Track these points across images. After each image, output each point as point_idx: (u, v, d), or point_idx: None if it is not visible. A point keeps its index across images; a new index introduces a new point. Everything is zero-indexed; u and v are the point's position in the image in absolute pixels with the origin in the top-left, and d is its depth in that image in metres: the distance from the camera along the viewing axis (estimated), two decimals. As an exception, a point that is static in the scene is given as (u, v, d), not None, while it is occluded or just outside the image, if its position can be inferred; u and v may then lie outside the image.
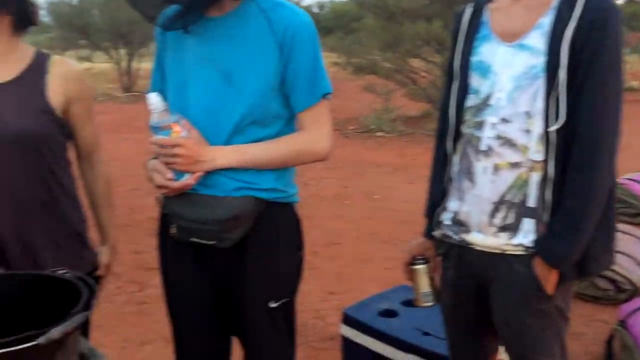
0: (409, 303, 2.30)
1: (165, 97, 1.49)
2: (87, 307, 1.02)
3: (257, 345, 1.61)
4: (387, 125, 9.14)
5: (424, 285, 1.65)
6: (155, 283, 3.39)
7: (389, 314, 2.33)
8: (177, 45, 1.55)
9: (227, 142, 1.50)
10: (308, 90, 1.51)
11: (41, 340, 0.89)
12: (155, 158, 1.50)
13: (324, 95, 1.54)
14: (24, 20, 1.63)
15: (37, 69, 1.64)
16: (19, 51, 1.64)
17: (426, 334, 2.15)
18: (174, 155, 1.43)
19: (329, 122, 1.58)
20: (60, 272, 1.12)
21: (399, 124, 9.38)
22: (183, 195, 1.50)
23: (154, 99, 1.43)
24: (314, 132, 1.55)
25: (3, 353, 0.87)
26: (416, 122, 9.58)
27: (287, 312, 1.62)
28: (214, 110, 1.49)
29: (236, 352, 1.72)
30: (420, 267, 1.64)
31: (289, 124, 1.57)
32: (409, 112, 10.02)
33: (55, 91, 1.63)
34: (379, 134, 9.00)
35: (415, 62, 9.87)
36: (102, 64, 16.01)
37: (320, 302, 3.54)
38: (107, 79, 15.29)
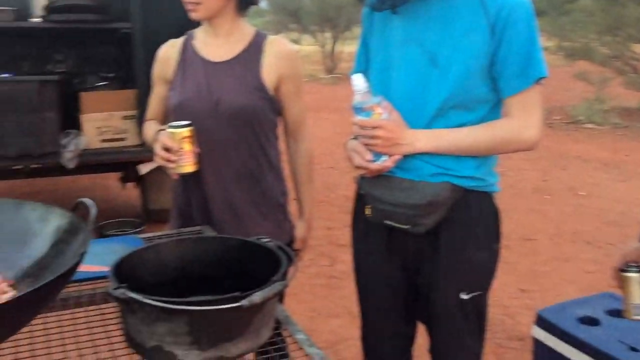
0: (615, 313, 2.08)
1: (368, 79, 1.50)
2: (286, 276, 1.07)
3: (445, 335, 1.58)
4: (599, 117, 8.35)
5: (637, 296, 1.48)
6: (345, 259, 3.51)
7: (590, 321, 2.13)
8: (384, 26, 1.55)
9: (428, 126, 1.47)
10: (520, 73, 1.41)
11: (244, 302, 0.94)
12: (356, 139, 1.52)
13: (537, 80, 1.43)
14: (247, 0, 1.75)
15: (254, 48, 1.75)
16: (240, 31, 1.77)
17: (633, 349, 1.93)
18: (374, 137, 1.44)
19: (539, 109, 1.47)
20: (264, 240, 1.18)
21: (612, 115, 8.52)
22: (380, 177, 1.51)
23: (358, 80, 1.45)
24: (522, 119, 1.45)
25: (210, 310, 0.94)
26: (634, 115, 8.63)
27: (479, 306, 1.56)
28: (416, 93, 1.46)
29: (420, 339, 1.71)
30: (635, 276, 1.47)
31: (495, 109, 1.49)
32: (625, 103, 9.05)
33: (269, 69, 1.73)
34: (588, 125, 8.27)
35: (639, 48, 8.85)
36: (308, 46, 16.82)
37: (511, 299, 3.37)
38: (312, 61, 16.03)
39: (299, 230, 1.91)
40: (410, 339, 1.72)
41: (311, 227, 1.95)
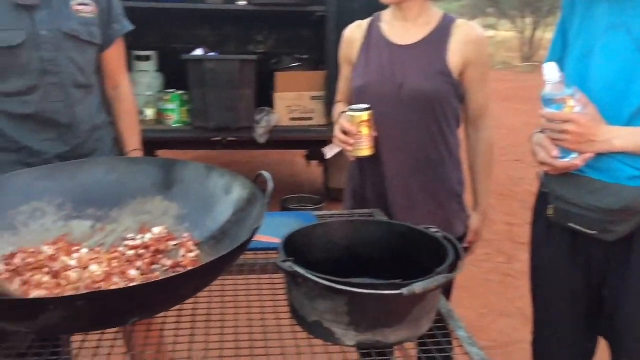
0: None
1: (562, 68, 1.37)
2: (452, 269, 1.04)
3: (630, 357, 1.41)
4: None
5: None
6: (523, 258, 3.33)
7: None
8: (587, 10, 1.40)
9: (630, 122, 1.31)
10: None
11: (404, 291, 0.93)
12: (542, 132, 1.41)
13: None
14: None
15: (441, 32, 1.71)
16: (428, 14, 1.73)
17: None
18: (563, 132, 1.32)
19: None
20: (432, 230, 1.15)
21: None
22: (566, 175, 1.38)
23: (550, 69, 1.33)
24: None
25: (370, 294, 0.94)
26: None
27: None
28: (619, 85, 1.31)
29: (601, 355, 1.56)
30: None
31: None
32: None
33: (455, 54, 1.68)
34: None
35: None
36: (505, 32, 16.07)
37: None
38: (508, 48, 15.30)
39: (473, 222, 1.84)
40: (588, 354, 1.57)
41: (486, 220, 1.87)
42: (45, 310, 0.90)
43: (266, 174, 1.16)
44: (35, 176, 1.34)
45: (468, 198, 1.84)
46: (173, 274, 1.14)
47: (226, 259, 1.04)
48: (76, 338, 1.15)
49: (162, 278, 1.11)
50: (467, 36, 1.70)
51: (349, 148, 1.66)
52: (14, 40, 1.66)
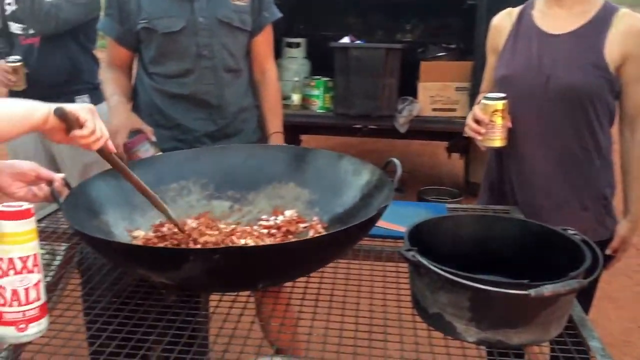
0: None
1: None
2: (588, 275, 0.97)
3: None
4: None
5: None
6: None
7: None
8: None
9: None
10: None
11: (532, 292, 0.89)
12: None
13: None
14: None
15: (600, 22, 1.58)
16: (586, 3, 1.61)
17: None
18: None
19: None
20: (570, 232, 1.09)
21: None
22: None
23: None
24: None
25: (494, 292, 0.91)
26: None
27: None
28: None
29: None
30: None
31: None
32: None
33: (613, 46, 1.55)
34: None
35: None
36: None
37: None
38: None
39: (621, 229, 1.69)
40: None
41: (637, 227, 1.70)
42: (186, 260, 0.98)
43: (396, 161, 1.17)
44: (185, 157, 1.48)
45: (618, 203, 1.70)
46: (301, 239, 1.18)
47: (352, 230, 1.06)
48: (211, 304, 1.23)
49: (290, 241, 1.17)
50: (629, 27, 1.56)
51: (479, 137, 1.60)
52: (175, 27, 1.80)
